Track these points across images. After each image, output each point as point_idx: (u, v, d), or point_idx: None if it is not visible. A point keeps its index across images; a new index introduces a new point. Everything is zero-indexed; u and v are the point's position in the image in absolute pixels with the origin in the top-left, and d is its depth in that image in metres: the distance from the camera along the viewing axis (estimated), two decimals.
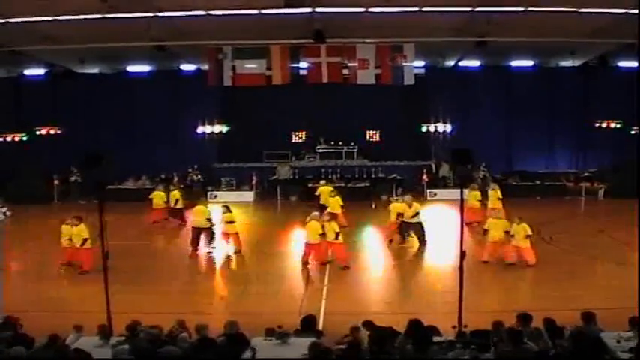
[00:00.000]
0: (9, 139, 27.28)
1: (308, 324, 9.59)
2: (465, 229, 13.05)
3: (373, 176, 27.23)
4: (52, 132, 27.82)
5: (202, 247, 17.32)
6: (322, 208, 19.79)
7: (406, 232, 17.79)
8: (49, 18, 18.80)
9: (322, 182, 23.06)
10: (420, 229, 17.69)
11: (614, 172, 26.82)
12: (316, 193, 21.95)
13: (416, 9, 19.19)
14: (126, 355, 7.91)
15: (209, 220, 17.47)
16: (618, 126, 27.08)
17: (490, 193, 20.52)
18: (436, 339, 8.25)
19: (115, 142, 26.92)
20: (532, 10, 18.77)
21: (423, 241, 17.56)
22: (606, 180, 26.44)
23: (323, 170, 27.43)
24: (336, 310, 11.77)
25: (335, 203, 19.97)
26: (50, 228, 17.52)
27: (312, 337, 8.56)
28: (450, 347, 7.88)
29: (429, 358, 7.55)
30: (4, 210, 20.61)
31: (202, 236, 17.40)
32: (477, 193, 20.31)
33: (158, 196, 21.52)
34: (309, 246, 15.64)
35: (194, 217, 17.96)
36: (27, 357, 7.71)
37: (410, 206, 17.77)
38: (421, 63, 26.75)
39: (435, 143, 28.93)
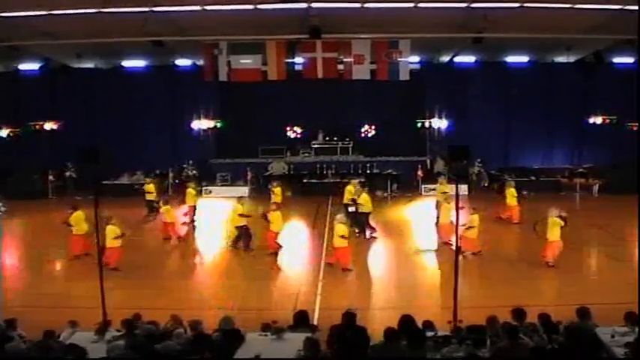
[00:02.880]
0: (4, 134, 27.21)
1: (301, 319, 9.60)
2: None
3: (368, 172, 27.27)
4: (47, 127, 27.77)
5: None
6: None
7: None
8: (45, 13, 18.70)
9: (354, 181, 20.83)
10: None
11: (610, 168, 26.90)
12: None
13: (412, 4, 19.15)
14: (121, 350, 7.90)
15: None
16: (614, 122, 27.17)
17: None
18: (431, 334, 8.26)
19: (111, 138, 26.85)
20: (528, 6, 18.76)
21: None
22: (602, 176, 26.49)
23: (318, 166, 27.49)
24: (331, 306, 11.76)
25: None
26: (44, 223, 17.47)
27: (307, 332, 8.58)
28: (445, 343, 7.89)
29: (423, 356, 7.53)
30: None
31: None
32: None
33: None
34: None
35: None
36: (22, 353, 7.68)
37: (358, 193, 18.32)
38: (417, 58, 26.74)
39: (430, 139, 28.96)
